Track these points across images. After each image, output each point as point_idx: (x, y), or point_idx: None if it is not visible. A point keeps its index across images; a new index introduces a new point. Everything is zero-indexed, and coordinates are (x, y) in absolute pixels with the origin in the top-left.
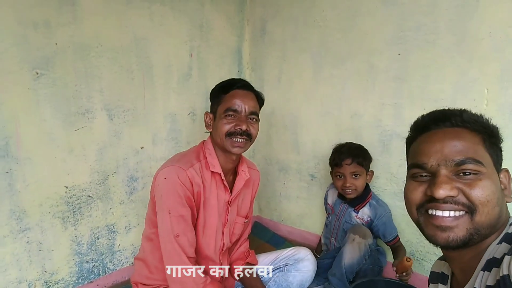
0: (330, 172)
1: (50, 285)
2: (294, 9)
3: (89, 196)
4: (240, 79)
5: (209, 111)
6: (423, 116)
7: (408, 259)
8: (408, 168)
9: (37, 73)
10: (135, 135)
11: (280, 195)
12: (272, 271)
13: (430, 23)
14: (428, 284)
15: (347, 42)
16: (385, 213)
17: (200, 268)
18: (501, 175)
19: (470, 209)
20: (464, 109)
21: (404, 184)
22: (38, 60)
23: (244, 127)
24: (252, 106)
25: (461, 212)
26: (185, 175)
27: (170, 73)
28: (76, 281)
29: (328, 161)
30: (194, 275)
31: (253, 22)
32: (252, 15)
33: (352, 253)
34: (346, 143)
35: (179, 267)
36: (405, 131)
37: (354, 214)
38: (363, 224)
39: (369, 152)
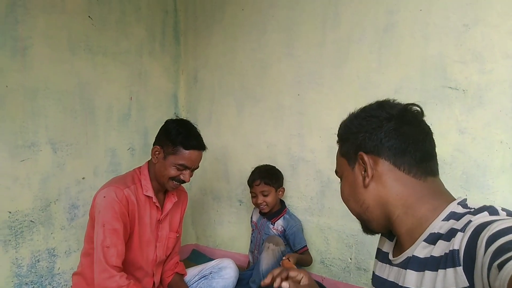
0: None
1: None
2: (220, 60)
3: (31, 221)
4: (198, 136)
5: (159, 145)
6: None
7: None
8: None
9: None
10: (77, 167)
11: (214, 222)
12: (198, 279)
13: (318, 70)
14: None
15: (261, 86)
16: (295, 225)
17: (123, 275)
18: (357, 165)
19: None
20: (340, 126)
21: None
22: None
23: (187, 181)
24: (199, 163)
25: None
26: (122, 194)
27: (111, 114)
28: None
29: None
30: (117, 280)
31: (187, 71)
32: (186, 66)
33: (267, 259)
34: (259, 166)
35: (105, 274)
36: (308, 156)
37: (271, 226)
38: (278, 234)
39: (282, 174)
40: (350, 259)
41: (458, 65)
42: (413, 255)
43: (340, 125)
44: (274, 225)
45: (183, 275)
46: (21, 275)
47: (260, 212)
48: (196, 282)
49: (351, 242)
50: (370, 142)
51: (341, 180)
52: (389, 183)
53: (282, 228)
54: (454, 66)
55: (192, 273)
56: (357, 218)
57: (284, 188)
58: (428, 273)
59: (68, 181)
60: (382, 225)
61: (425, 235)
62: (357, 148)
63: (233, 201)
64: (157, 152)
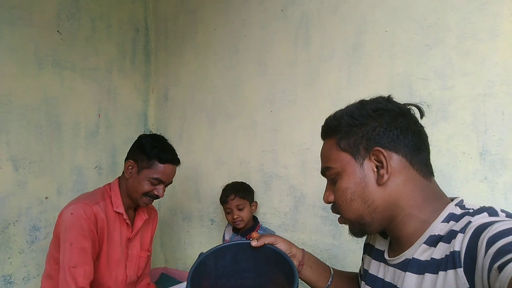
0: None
1: None
2: (191, 78)
3: None
4: (173, 150)
5: (132, 160)
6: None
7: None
8: None
9: None
10: (40, 185)
11: (184, 243)
12: None
13: (291, 87)
14: (363, 253)
15: (234, 103)
16: None
17: None
18: (368, 162)
19: (338, 211)
20: (329, 117)
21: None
22: None
23: (161, 196)
24: (172, 178)
25: (339, 215)
26: (91, 210)
27: (78, 130)
28: None
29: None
30: None
31: (157, 89)
32: (156, 84)
33: None
34: (230, 183)
35: None
36: (281, 172)
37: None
38: None
39: (255, 191)
40: None
41: (422, 82)
42: (412, 258)
43: (335, 116)
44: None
45: None
46: None
47: (234, 229)
48: None
49: (325, 257)
50: (385, 137)
51: (335, 178)
52: (403, 182)
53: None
54: (418, 82)
55: None
56: (352, 221)
57: (256, 202)
58: (428, 276)
59: (29, 200)
60: (381, 228)
61: (424, 237)
62: (369, 142)
63: (205, 220)
64: (130, 167)
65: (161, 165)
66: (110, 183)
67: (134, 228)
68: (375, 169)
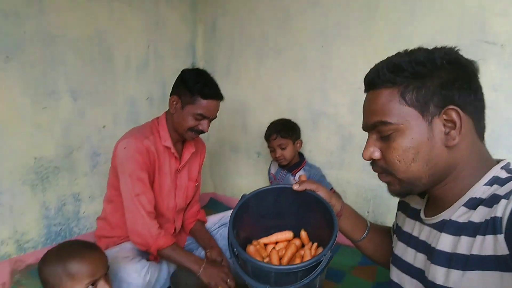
0: None
1: (21, 244)
2: (240, 9)
3: (55, 167)
4: (216, 85)
5: (176, 95)
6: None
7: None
8: None
9: (7, 57)
10: (97, 115)
11: (232, 173)
12: (219, 227)
13: (345, 21)
14: (397, 210)
15: (283, 37)
16: (318, 173)
17: (156, 223)
18: (437, 120)
19: (388, 171)
20: (386, 62)
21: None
22: (8, 46)
23: (206, 131)
24: (216, 113)
25: (386, 173)
26: (142, 145)
27: (129, 63)
28: (45, 241)
29: None
30: (150, 229)
31: (205, 20)
32: (204, 14)
33: None
34: (275, 120)
35: (139, 221)
36: (330, 110)
37: (291, 178)
38: None
39: (302, 129)
40: (368, 212)
41: (498, 18)
42: (450, 219)
43: (398, 64)
44: (295, 176)
45: (204, 222)
46: (49, 217)
47: (279, 165)
48: (216, 230)
49: (369, 196)
50: (460, 94)
51: (391, 134)
52: (468, 145)
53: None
54: (494, 19)
55: (212, 220)
56: (404, 181)
57: (301, 141)
58: (464, 238)
59: (89, 129)
60: (427, 188)
61: (464, 199)
62: (442, 99)
63: (251, 153)
64: (174, 102)
65: (204, 100)
66: (158, 118)
67: (182, 160)
68: (444, 129)
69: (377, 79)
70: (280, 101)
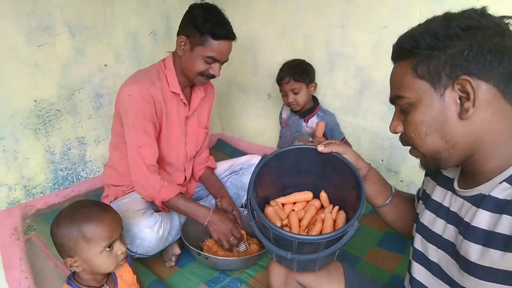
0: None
1: (28, 189)
2: None
3: (57, 110)
4: (228, 23)
5: (184, 35)
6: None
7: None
8: None
9: None
10: (98, 52)
11: (240, 114)
12: (229, 174)
13: None
14: (425, 175)
15: None
16: (331, 120)
17: (157, 176)
18: (450, 92)
19: (410, 144)
20: (403, 35)
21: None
22: None
23: (217, 75)
24: (228, 55)
25: (411, 148)
26: (148, 93)
27: None
28: (52, 186)
29: None
30: (152, 182)
31: None
32: None
33: None
34: (287, 61)
35: (141, 173)
36: (349, 51)
37: (304, 124)
38: (311, 132)
39: (317, 70)
40: (382, 160)
41: None
42: (489, 195)
43: (412, 35)
44: (307, 122)
45: (213, 169)
46: (55, 162)
47: (292, 109)
48: (227, 177)
49: (385, 145)
50: (475, 62)
51: (407, 108)
52: (491, 115)
53: None
54: None
55: (222, 167)
56: (426, 156)
57: (316, 84)
58: (506, 218)
59: (90, 68)
60: (458, 163)
61: (506, 174)
62: (454, 69)
63: (261, 94)
64: (182, 43)
65: (215, 41)
66: (164, 60)
67: (191, 107)
68: (458, 101)
69: (395, 53)
70: (295, 38)
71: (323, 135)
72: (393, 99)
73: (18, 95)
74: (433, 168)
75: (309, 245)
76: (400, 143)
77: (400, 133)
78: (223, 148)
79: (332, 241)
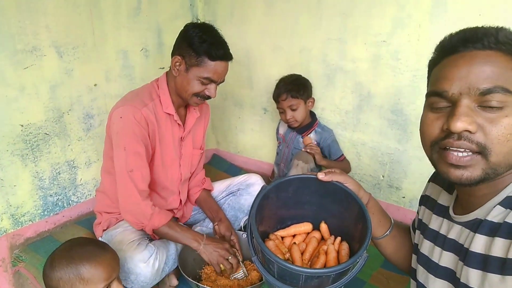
0: None
1: (16, 218)
2: None
3: (45, 133)
4: (225, 44)
5: (180, 56)
6: (450, 35)
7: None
8: (426, 96)
9: None
10: (87, 72)
11: (235, 128)
12: (226, 196)
13: None
14: (420, 205)
15: None
16: (329, 136)
17: (149, 202)
18: None
19: (485, 149)
20: (502, 27)
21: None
22: None
23: (213, 96)
24: (225, 76)
25: (475, 152)
26: (140, 114)
27: (119, 8)
28: (42, 213)
29: None
30: (143, 208)
31: None
32: None
33: None
34: (283, 77)
35: (131, 199)
36: (348, 65)
37: (301, 140)
38: None
39: (314, 85)
40: (383, 176)
41: None
42: (485, 219)
43: None
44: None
45: (210, 190)
46: (44, 188)
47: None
48: (224, 199)
49: (386, 160)
50: None
51: (503, 106)
52: None
53: (315, 142)
54: None
55: (218, 188)
56: (496, 167)
57: (313, 99)
58: (499, 240)
59: (79, 88)
60: (494, 179)
61: (500, 197)
62: None
63: (257, 108)
64: (177, 64)
65: (212, 62)
66: (158, 79)
67: (186, 128)
68: None
69: (492, 38)
70: (291, 52)
71: (321, 151)
72: (489, 91)
73: (3, 120)
74: (477, 181)
75: (317, 279)
76: (402, 158)
77: (463, 134)
78: (219, 164)
79: (341, 273)
